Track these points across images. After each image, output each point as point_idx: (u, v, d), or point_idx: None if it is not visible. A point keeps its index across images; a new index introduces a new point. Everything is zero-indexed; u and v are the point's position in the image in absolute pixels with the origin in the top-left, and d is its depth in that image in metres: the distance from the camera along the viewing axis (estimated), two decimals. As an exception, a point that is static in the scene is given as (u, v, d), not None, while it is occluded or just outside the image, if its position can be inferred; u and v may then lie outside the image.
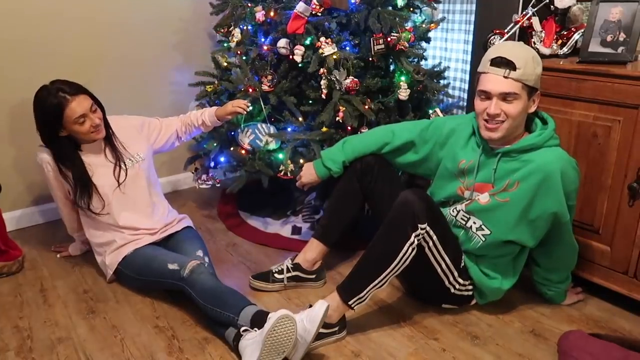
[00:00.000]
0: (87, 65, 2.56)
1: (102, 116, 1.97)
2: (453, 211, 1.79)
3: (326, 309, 1.57)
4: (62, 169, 1.98)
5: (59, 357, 1.69)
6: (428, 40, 2.48)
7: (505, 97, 1.58)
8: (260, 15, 2.28)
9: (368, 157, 1.94)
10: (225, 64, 2.50)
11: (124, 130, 2.10)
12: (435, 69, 2.48)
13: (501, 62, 1.57)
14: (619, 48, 1.80)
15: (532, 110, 1.66)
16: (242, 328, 1.63)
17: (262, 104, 2.26)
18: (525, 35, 2.09)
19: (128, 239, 2.02)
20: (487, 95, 1.61)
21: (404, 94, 2.20)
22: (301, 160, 2.18)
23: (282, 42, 2.20)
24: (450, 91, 2.64)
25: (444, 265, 1.73)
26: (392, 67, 2.35)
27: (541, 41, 2.04)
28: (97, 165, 2.01)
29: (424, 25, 2.38)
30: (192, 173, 2.63)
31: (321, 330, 1.64)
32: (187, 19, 2.83)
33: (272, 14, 2.24)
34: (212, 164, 2.52)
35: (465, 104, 2.78)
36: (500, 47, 1.63)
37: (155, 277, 1.88)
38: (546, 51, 2.03)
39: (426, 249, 1.68)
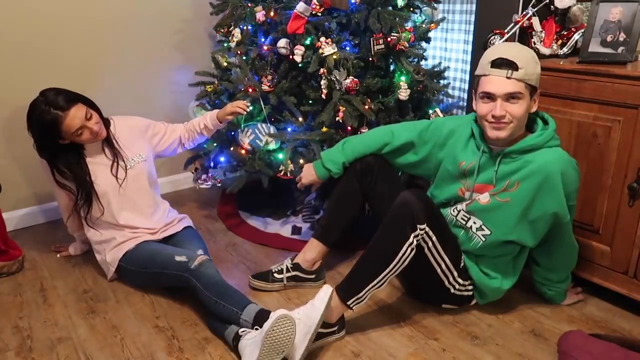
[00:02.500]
0: (88, 66, 2.56)
1: (99, 119, 1.96)
2: (454, 211, 1.79)
3: (331, 293, 1.60)
4: (63, 182, 1.99)
5: (59, 357, 1.69)
6: (428, 41, 2.48)
7: (509, 97, 1.57)
8: (260, 15, 2.28)
9: (368, 158, 1.93)
10: (225, 64, 2.50)
11: (127, 130, 2.10)
12: (435, 69, 2.48)
13: (502, 63, 1.56)
14: (619, 48, 1.80)
15: (534, 110, 1.65)
16: (241, 329, 1.64)
17: (262, 104, 2.26)
18: (525, 35, 2.09)
19: (128, 236, 2.02)
20: (491, 97, 1.59)
21: (404, 94, 2.20)
22: (301, 161, 2.18)
23: (282, 42, 2.20)
24: (450, 91, 2.64)
25: (443, 266, 1.73)
26: (392, 67, 2.35)
27: (541, 41, 2.04)
28: (98, 164, 2.01)
29: (424, 25, 2.38)
30: (192, 173, 2.63)
31: (320, 330, 1.65)
32: (187, 19, 2.83)
33: (272, 14, 2.25)
34: (212, 164, 2.52)
35: (465, 104, 2.78)
36: (498, 48, 1.62)
37: (161, 268, 1.88)
38: (546, 51, 2.03)
39: (425, 249, 1.68)
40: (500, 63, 1.56)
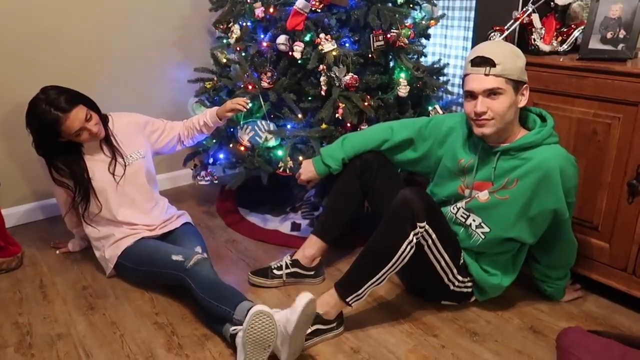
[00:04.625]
0: (86, 62, 2.56)
1: (98, 120, 1.95)
2: (453, 209, 1.79)
3: (308, 301, 1.51)
4: (60, 179, 1.98)
5: (59, 353, 1.69)
6: (428, 37, 2.47)
7: (489, 93, 1.59)
8: (259, 11, 2.27)
9: (367, 154, 1.93)
10: (225, 60, 2.49)
11: (126, 127, 2.10)
12: (435, 66, 2.48)
13: (480, 61, 1.58)
14: (619, 45, 1.80)
15: (523, 104, 1.65)
16: (232, 328, 1.63)
17: (261, 100, 2.26)
18: (525, 32, 2.09)
19: (127, 233, 2.02)
20: (472, 95, 1.62)
21: (403, 90, 2.20)
22: (300, 157, 2.18)
23: (282, 39, 2.19)
24: (449, 88, 2.64)
25: (443, 263, 1.73)
26: (391, 64, 2.35)
27: (541, 38, 2.04)
28: (96, 161, 2.01)
29: (423, 22, 2.37)
30: (192, 169, 2.62)
31: (319, 326, 1.66)
32: (187, 15, 2.82)
33: (271, 10, 2.24)
34: (211, 161, 2.52)
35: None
36: (477, 47, 1.64)
37: (157, 267, 1.88)
38: (546, 48, 2.02)
39: (425, 247, 1.68)
40: (479, 61, 1.59)
